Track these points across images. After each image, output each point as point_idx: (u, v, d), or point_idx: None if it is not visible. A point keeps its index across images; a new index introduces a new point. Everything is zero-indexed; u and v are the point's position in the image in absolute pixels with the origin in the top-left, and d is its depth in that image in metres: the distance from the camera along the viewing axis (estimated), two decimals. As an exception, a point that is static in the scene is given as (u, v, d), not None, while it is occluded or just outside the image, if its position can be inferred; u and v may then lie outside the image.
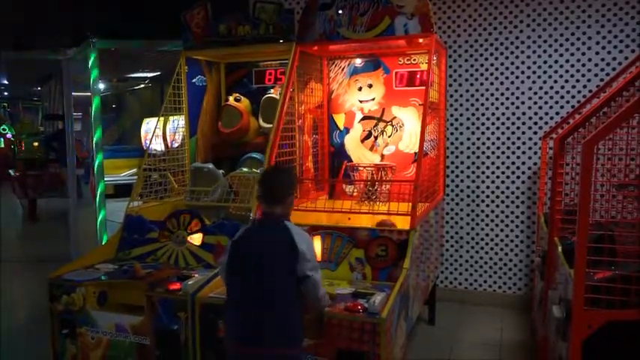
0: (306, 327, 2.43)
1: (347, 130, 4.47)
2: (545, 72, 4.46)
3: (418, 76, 4.22)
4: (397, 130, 4.30)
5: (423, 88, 3.77)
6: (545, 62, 4.46)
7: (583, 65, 4.35)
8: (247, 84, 4.68)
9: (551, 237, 3.03)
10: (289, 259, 2.30)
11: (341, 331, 2.56)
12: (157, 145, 4.97)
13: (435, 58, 3.72)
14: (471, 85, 4.69)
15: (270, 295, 2.30)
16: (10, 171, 10.95)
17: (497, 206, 4.70)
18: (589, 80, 4.33)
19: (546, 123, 4.49)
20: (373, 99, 4.37)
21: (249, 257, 2.35)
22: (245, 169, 4.16)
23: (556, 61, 4.43)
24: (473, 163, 4.74)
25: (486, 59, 4.62)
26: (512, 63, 4.55)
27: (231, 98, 4.49)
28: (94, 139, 5.40)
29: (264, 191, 2.45)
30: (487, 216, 4.74)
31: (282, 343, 2.29)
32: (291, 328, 2.33)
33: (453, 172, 4.80)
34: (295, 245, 2.31)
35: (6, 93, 18.37)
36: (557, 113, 4.45)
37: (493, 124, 4.65)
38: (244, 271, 2.35)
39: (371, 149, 4.38)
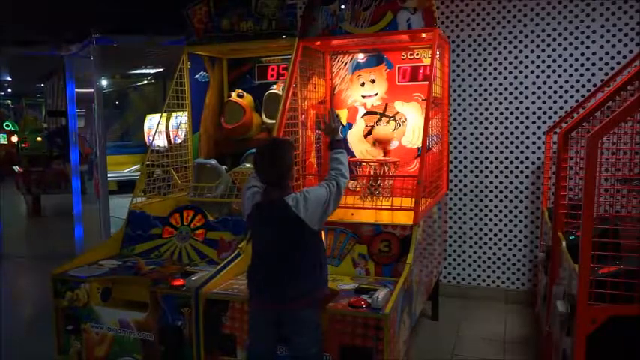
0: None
1: (350, 126, 4.46)
2: (548, 66, 4.44)
3: (421, 70, 4.20)
4: (400, 126, 4.29)
5: (426, 83, 3.76)
6: (548, 56, 4.43)
7: (587, 59, 4.33)
8: (250, 80, 4.67)
9: (555, 232, 3.02)
10: (296, 231, 2.40)
11: (344, 327, 2.56)
12: (160, 142, 4.98)
13: (438, 52, 3.70)
14: (474, 79, 4.67)
15: (278, 271, 2.41)
16: (14, 167, 10.99)
17: (501, 201, 4.69)
18: (593, 74, 4.31)
19: (550, 118, 4.47)
20: (376, 94, 4.36)
21: (258, 236, 2.51)
22: (248, 165, 4.16)
23: (560, 55, 4.40)
24: (476, 158, 4.73)
25: (490, 54, 4.60)
26: (516, 57, 4.53)
27: (233, 94, 4.48)
28: (97, 136, 5.41)
29: (259, 175, 2.46)
30: (490, 211, 4.73)
31: (297, 297, 2.41)
32: (307, 285, 2.43)
33: (456, 167, 4.79)
34: (298, 218, 2.37)
35: (9, 90, 18.39)
36: (560, 108, 4.43)
37: (496, 118, 4.64)
38: (258, 240, 2.51)
39: (374, 145, 4.37)
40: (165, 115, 4.34)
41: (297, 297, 2.40)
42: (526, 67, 4.51)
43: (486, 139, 4.68)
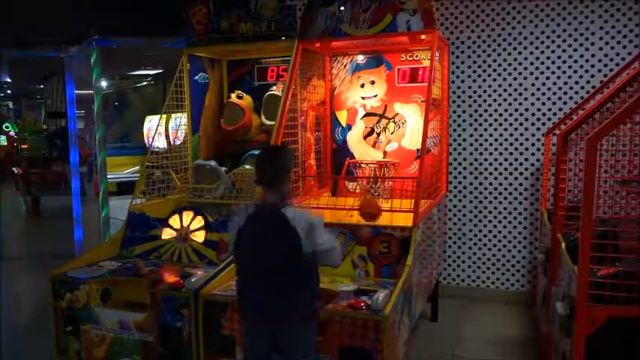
0: None
1: (349, 127, 4.46)
2: (548, 68, 4.45)
3: (420, 72, 4.21)
4: (400, 127, 4.29)
5: (426, 84, 3.76)
6: (548, 58, 4.44)
7: (586, 61, 4.33)
8: (249, 81, 4.68)
9: (554, 233, 3.02)
10: (289, 248, 2.33)
11: (344, 328, 2.56)
12: (160, 143, 4.98)
13: (437, 54, 3.70)
14: (474, 81, 4.67)
15: (274, 282, 2.35)
16: (14, 168, 10.99)
17: (500, 203, 4.69)
18: (592, 76, 4.32)
19: (549, 119, 4.48)
20: (375, 95, 4.36)
21: (249, 247, 2.42)
22: (247, 166, 4.16)
23: (559, 57, 4.41)
24: (475, 159, 4.73)
25: (489, 55, 4.60)
26: (515, 59, 4.53)
27: (233, 95, 4.48)
28: (97, 137, 5.41)
29: (259, 175, 2.42)
30: (490, 212, 4.73)
31: (288, 314, 2.36)
32: (297, 304, 2.37)
33: (455, 168, 4.79)
34: (293, 234, 2.31)
35: (9, 91, 18.40)
36: (560, 109, 4.44)
37: (496, 120, 4.64)
38: (248, 258, 2.43)
39: (373, 146, 4.38)
40: (164, 116, 4.34)
41: (291, 308, 2.35)
42: (525, 68, 4.51)
43: (486, 140, 4.68)
